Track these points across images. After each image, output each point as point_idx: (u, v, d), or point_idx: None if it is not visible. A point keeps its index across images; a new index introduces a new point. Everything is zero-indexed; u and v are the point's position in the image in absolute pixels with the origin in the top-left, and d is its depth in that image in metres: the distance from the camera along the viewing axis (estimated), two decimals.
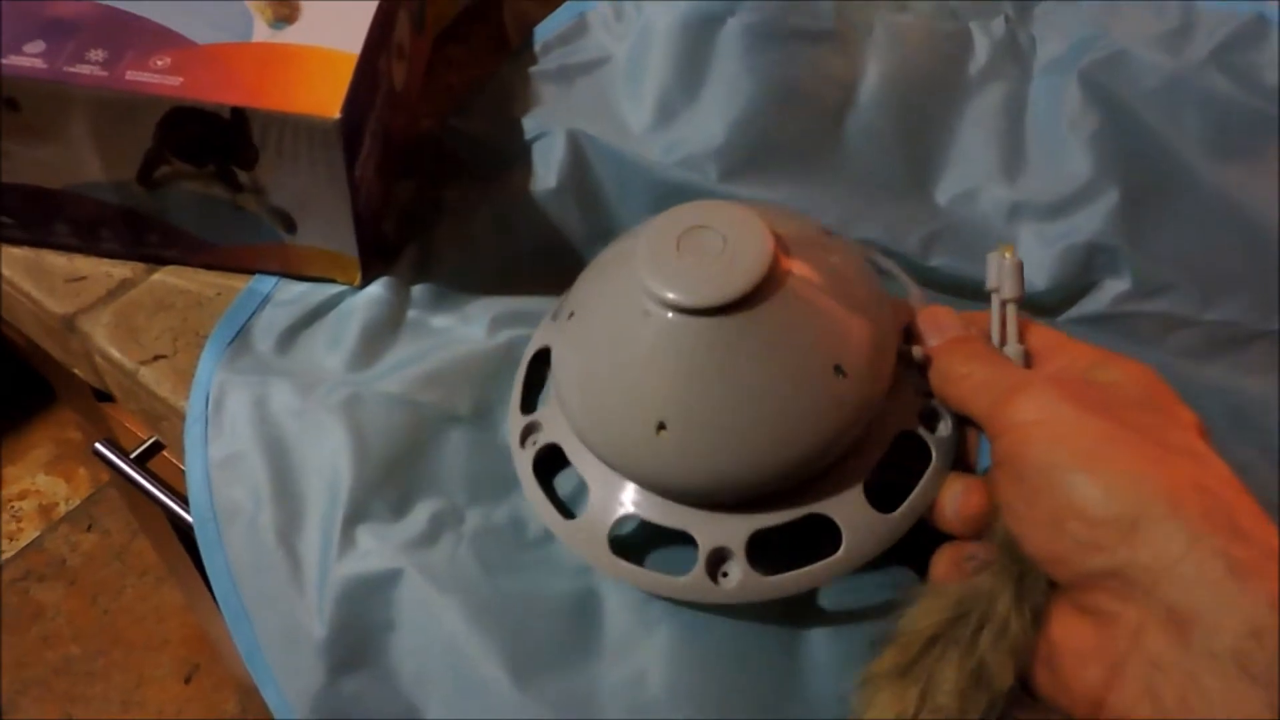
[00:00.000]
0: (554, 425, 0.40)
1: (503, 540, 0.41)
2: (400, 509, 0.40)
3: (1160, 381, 0.34)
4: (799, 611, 0.39)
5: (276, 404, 0.43)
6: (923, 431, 0.38)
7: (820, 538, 0.37)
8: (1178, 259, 0.49)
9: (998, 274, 0.39)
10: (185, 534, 0.81)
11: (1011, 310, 0.38)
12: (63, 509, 1.48)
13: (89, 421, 0.83)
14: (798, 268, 0.36)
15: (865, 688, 0.34)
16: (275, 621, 0.39)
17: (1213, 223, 0.50)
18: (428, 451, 0.42)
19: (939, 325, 0.38)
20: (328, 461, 0.41)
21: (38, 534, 1.46)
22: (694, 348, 0.35)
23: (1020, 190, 0.51)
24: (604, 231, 0.50)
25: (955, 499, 0.36)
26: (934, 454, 0.37)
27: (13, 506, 1.48)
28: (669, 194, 0.49)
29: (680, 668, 0.38)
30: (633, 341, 0.36)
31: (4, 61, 0.40)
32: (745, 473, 0.36)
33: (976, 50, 0.54)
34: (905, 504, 0.37)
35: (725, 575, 0.37)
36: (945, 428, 0.38)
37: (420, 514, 0.40)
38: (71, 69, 0.40)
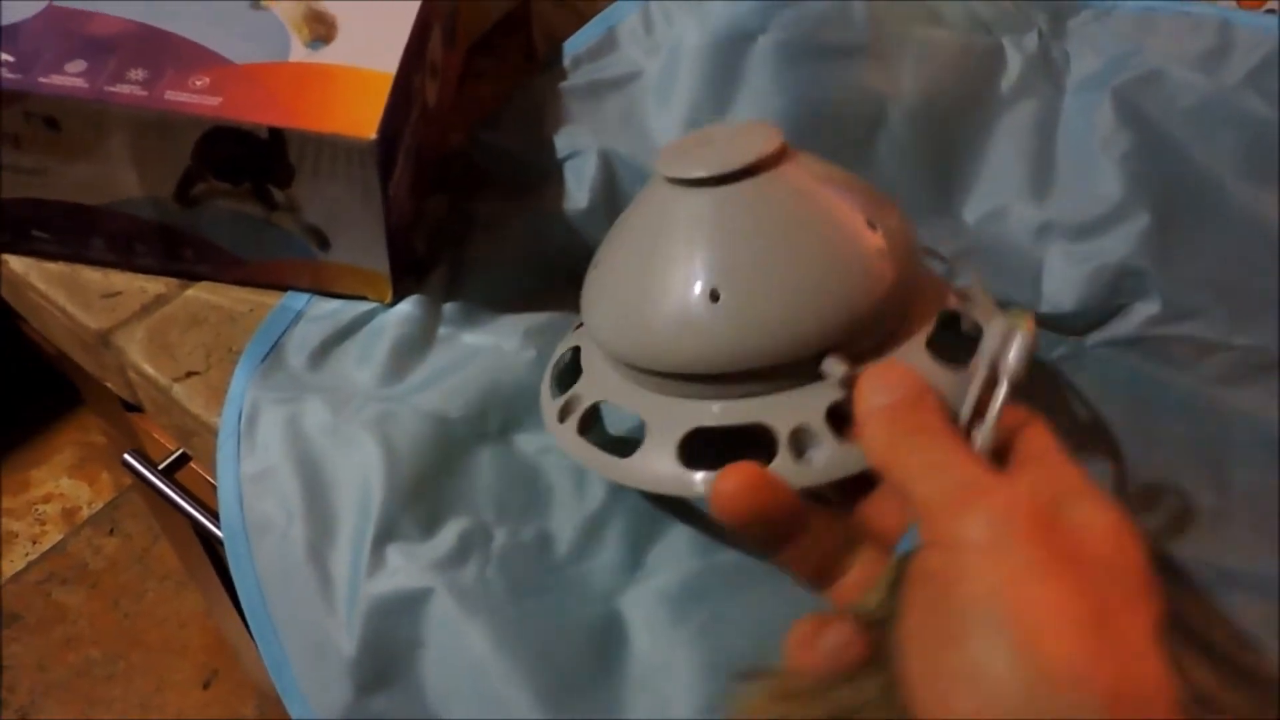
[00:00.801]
0: (590, 388, 0.40)
1: (530, 560, 0.41)
2: (429, 527, 0.41)
3: (1133, 540, 0.29)
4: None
5: (309, 420, 0.43)
6: (962, 310, 0.39)
7: None
8: (1208, 283, 0.49)
9: (1001, 344, 0.33)
10: (206, 540, 0.81)
11: (1003, 390, 0.32)
12: (85, 513, 1.49)
13: (116, 429, 0.83)
14: (805, 157, 0.38)
15: None
16: (304, 637, 0.39)
17: (1245, 246, 0.50)
18: (457, 468, 0.42)
19: (888, 383, 0.32)
20: (359, 477, 0.41)
21: (61, 537, 1.47)
22: (727, 212, 0.36)
23: (1049, 210, 0.51)
24: None
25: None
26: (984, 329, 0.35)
27: (37, 509, 1.49)
28: None
29: (707, 694, 0.38)
30: (665, 229, 0.37)
31: (46, 81, 0.41)
32: (803, 328, 0.35)
33: (1009, 66, 0.54)
34: (975, 359, 0.34)
35: (810, 457, 0.35)
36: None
37: (449, 532, 0.40)
38: (112, 88, 0.41)
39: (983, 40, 0.55)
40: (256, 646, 0.40)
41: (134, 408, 0.65)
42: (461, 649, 0.38)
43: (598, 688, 0.38)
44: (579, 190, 0.50)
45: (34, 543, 1.46)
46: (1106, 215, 0.50)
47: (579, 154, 0.50)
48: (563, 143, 0.51)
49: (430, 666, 0.38)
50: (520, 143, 0.52)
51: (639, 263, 0.38)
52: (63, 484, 1.52)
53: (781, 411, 0.36)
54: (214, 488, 0.43)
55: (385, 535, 0.40)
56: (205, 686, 1.35)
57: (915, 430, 0.31)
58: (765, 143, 0.37)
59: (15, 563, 1.44)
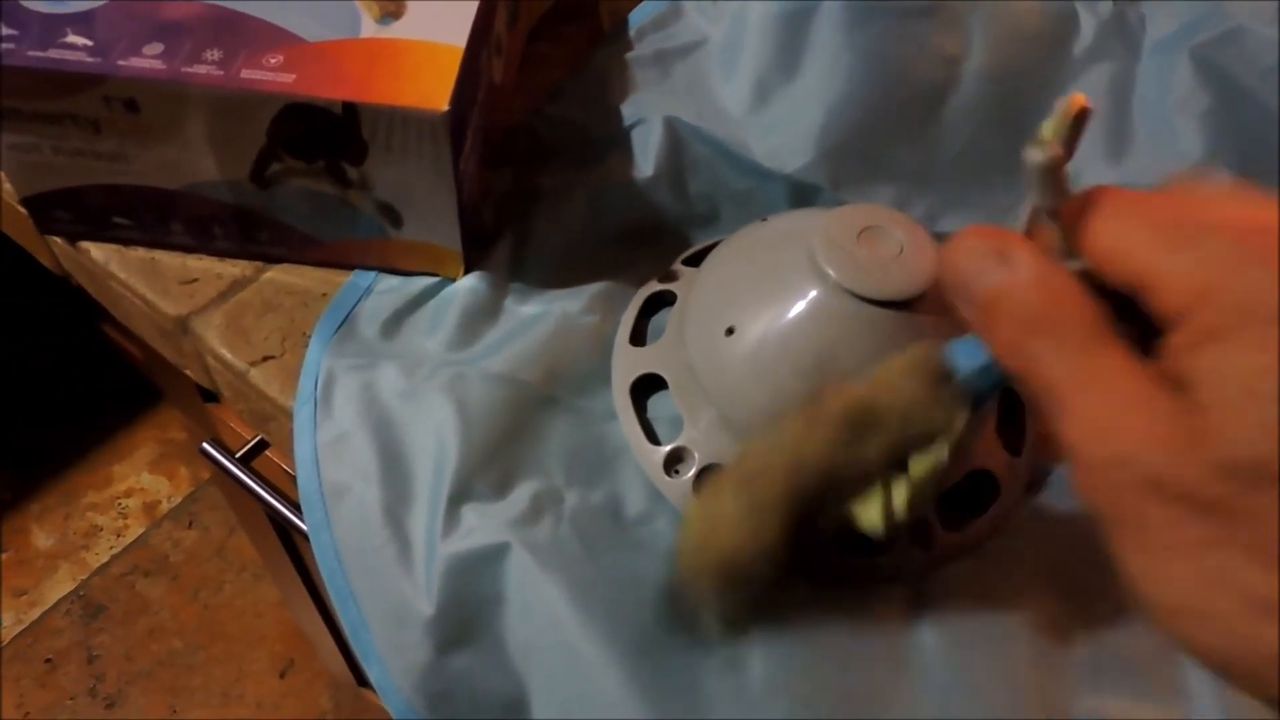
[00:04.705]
0: (699, 442, 0.41)
1: (601, 522, 0.41)
2: (502, 488, 0.41)
3: None
4: (906, 604, 0.39)
5: (383, 386, 0.43)
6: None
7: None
8: None
9: (1062, 120, 0.27)
10: (282, 530, 0.82)
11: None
12: (165, 507, 1.53)
13: (194, 421, 0.85)
14: None
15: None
16: (382, 600, 0.40)
17: None
18: (528, 431, 0.42)
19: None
20: (433, 440, 0.41)
21: (143, 530, 1.50)
22: (893, 336, 0.37)
23: (1126, 171, 0.50)
24: (699, 217, 0.50)
25: None
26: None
27: (119, 504, 1.53)
28: (766, 179, 0.49)
29: (780, 652, 0.38)
30: (839, 341, 0.37)
31: (125, 64, 0.41)
32: None
33: (1082, 29, 0.53)
34: (1026, 446, 0.42)
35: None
36: None
37: (522, 493, 0.41)
38: (189, 69, 0.41)
39: (1055, 3, 0.54)
40: (335, 612, 0.41)
41: (211, 397, 0.66)
42: (540, 604, 0.38)
43: (672, 644, 0.38)
44: (644, 158, 0.50)
45: (118, 536, 1.49)
46: (1187, 174, 0.49)
47: (643, 122, 0.50)
48: (627, 112, 0.51)
49: (510, 622, 0.38)
50: (584, 114, 0.52)
51: (802, 369, 0.38)
52: (143, 479, 1.55)
53: None
54: (290, 476, 0.44)
55: (460, 496, 0.40)
56: (282, 675, 1.37)
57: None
58: (925, 257, 0.37)
59: (100, 555, 1.47)
